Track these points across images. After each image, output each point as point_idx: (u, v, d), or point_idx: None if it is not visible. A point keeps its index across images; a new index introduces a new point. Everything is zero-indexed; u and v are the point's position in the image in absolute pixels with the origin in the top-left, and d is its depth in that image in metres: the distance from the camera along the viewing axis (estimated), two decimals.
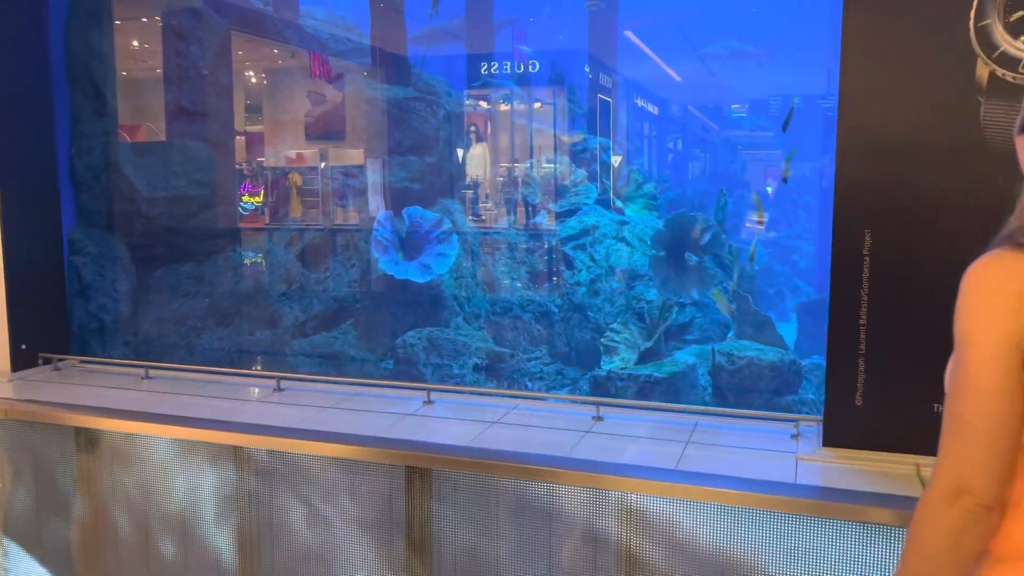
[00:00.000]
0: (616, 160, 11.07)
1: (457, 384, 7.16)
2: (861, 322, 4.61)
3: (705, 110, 17.07)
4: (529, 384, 7.45)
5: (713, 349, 6.77)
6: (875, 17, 4.46)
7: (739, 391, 6.46)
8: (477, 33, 12.63)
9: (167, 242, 7.70)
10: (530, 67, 12.07)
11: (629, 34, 14.34)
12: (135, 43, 9.92)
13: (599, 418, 5.33)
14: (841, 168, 4.62)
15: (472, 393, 6.06)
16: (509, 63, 12.09)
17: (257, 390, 6.17)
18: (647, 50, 15.07)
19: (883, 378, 4.61)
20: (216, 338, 7.60)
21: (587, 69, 12.66)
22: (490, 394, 6.01)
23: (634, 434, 5.07)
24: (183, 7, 8.55)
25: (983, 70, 4.23)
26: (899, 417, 4.60)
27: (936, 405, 4.52)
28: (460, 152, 11.07)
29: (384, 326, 8.21)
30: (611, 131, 13.25)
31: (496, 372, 7.21)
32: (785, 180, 6.98)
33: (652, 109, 15.54)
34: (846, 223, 4.64)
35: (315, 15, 11.21)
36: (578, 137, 10.42)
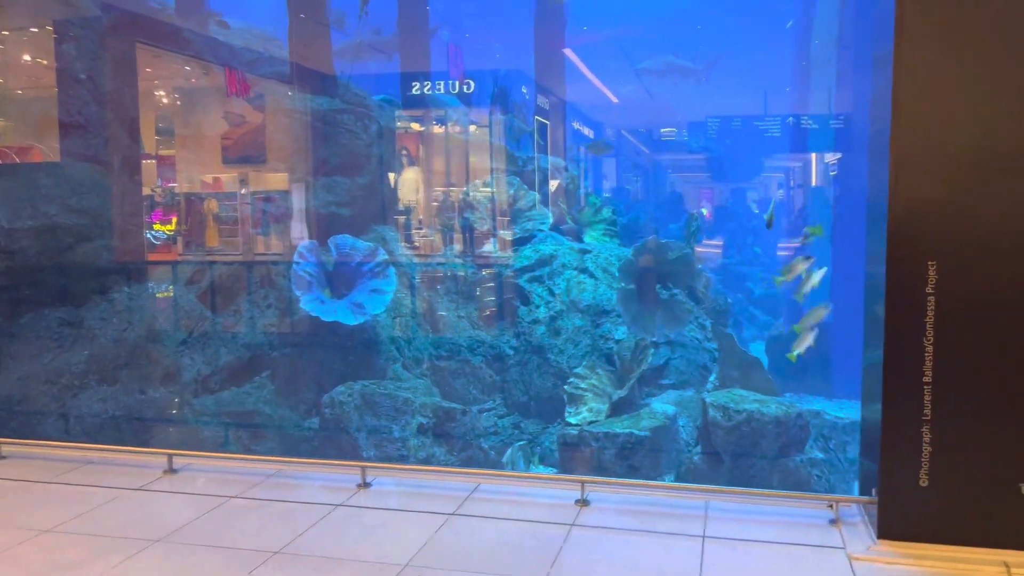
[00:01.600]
0: (564, 182, 10.07)
1: (400, 455, 5.91)
2: (925, 379, 3.60)
3: (638, 133, 16.41)
4: (484, 443, 6.26)
5: (705, 402, 5.72)
6: (934, 8, 3.52)
7: (738, 452, 5.41)
8: (409, 48, 11.59)
9: (35, 282, 6.26)
10: (464, 87, 11.10)
11: (569, 52, 13.53)
12: (27, 57, 8.62)
13: (584, 502, 4.19)
14: (896, 187, 3.62)
15: (420, 471, 4.83)
16: (443, 82, 11.08)
17: (142, 473, 4.82)
18: (586, 71, 14.28)
19: (956, 451, 3.61)
20: (97, 399, 6.18)
21: (524, 90, 11.76)
22: (443, 473, 4.79)
23: (633, 526, 3.93)
24: (80, 16, 7.24)
25: None
26: (978, 500, 3.60)
27: None
28: (392, 175, 9.92)
29: (307, 378, 6.91)
30: (561, 152, 12.32)
31: (446, 434, 6.01)
32: (769, 226, 6.05)
33: (588, 132, 14.77)
34: (903, 254, 3.63)
35: (230, 26, 9.97)
36: (528, 158, 9.40)
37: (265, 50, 9.82)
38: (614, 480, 4.90)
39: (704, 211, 14.53)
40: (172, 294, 7.33)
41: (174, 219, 9.30)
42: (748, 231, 15.22)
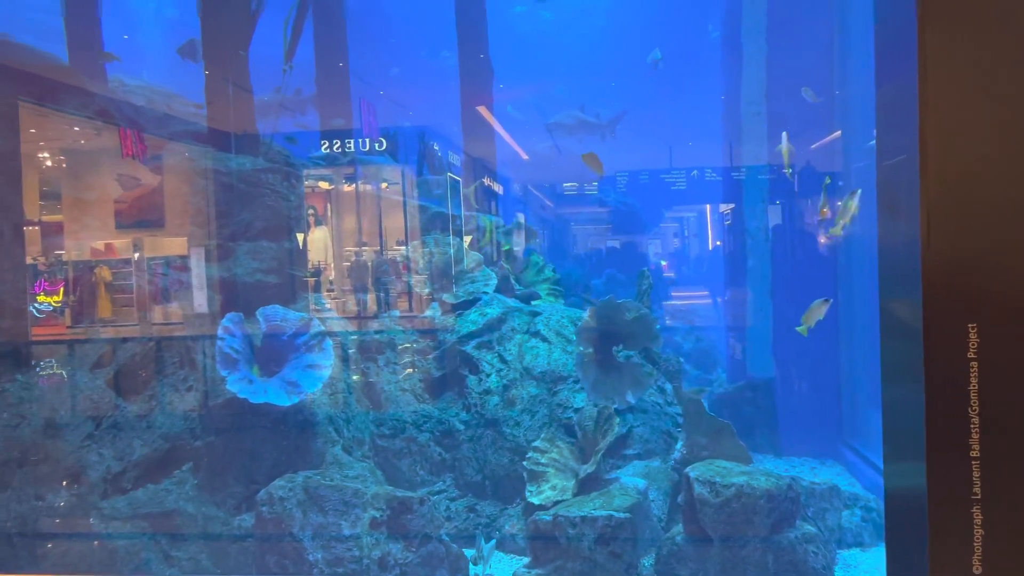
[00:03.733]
0: (501, 240, 9.68)
1: (352, 556, 5.14)
2: (973, 454, 3.25)
3: (543, 188, 16.37)
4: (444, 536, 5.58)
5: (688, 477, 5.26)
6: (964, 28, 3.28)
7: (726, 534, 4.97)
8: (327, 107, 11.11)
9: None
10: (377, 144, 10.69)
11: (483, 110, 13.35)
12: None
13: None
14: (930, 246, 3.30)
15: None
16: (366, 140, 10.66)
17: None
18: (501, 131, 14.14)
19: (1009, 532, 3.26)
20: None
21: (436, 147, 11.45)
22: None
23: None
24: None
25: None
26: None
27: None
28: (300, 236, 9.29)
29: (236, 469, 6.09)
30: (495, 210, 11.99)
31: (401, 527, 5.31)
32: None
33: (497, 188, 14.59)
34: (941, 315, 3.30)
35: (125, 82, 9.25)
36: (469, 215, 8.95)
37: (169, 108, 9.18)
38: None
39: (663, 263, 14.41)
40: (66, 378, 6.41)
41: (61, 289, 8.53)
42: (657, 283, 15.20)
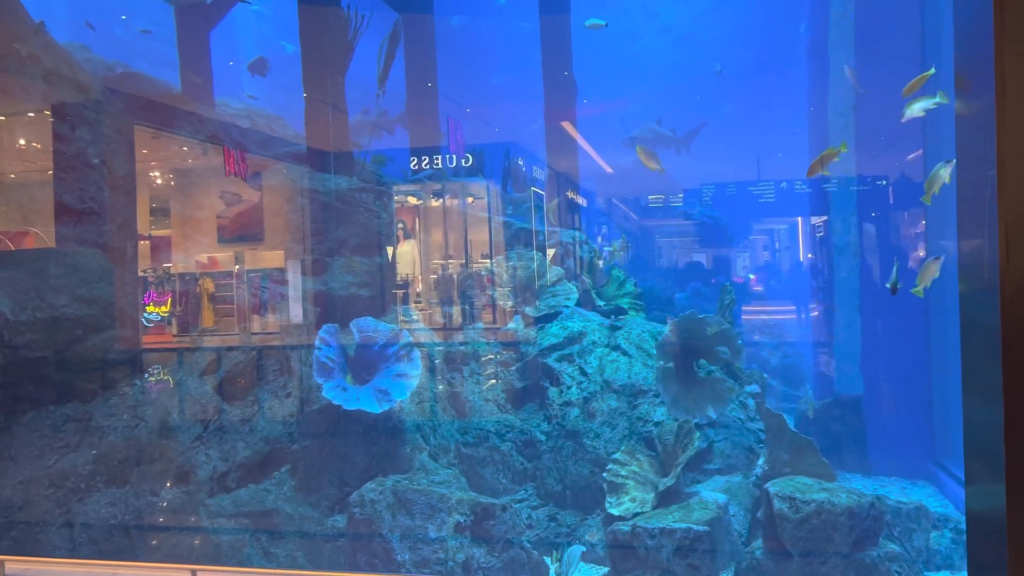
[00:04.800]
0: (586, 256, 9.81)
1: (437, 559, 5.39)
2: None
3: (628, 201, 16.38)
4: (525, 541, 5.75)
5: (768, 492, 5.28)
6: None
7: (806, 550, 4.96)
8: (416, 126, 11.52)
9: (39, 377, 5.85)
10: (463, 161, 11.01)
11: (567, 125, 13.52)
12: (21, 141, 8.43)
13: None
14: (1008, 259, 3.31)
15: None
16: (453, 156, 11.00)
17: None
18: (585, 145, 14.28)
19: None
20: (106, 503, 5.70)
21: (520, 161, 11.69)
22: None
23: None
24: (78, 100, 7.04)
25: None
26: None
27: None
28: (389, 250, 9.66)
29: (330, 472, 6.44)
30: (568, 224, 12.15)
31: (485, 532, 5.53)
32: (894, 292, 6.00)
33: (582, 201, 14.72)
34: (1020, 334, 3.30)
35: (231, 105, 9.88)
36: (551, 231, 9.16)
37: (270, 130, 9.73)
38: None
39: (751, 276, 14.25)
40: (173, 384, 6.91)
41: (168, 300, 9.08)
42: (744, 297, 14.98)
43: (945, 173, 5.74)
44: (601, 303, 8.24)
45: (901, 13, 9.57)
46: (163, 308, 9.02)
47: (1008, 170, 3.28)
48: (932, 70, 6.42)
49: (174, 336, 8.77)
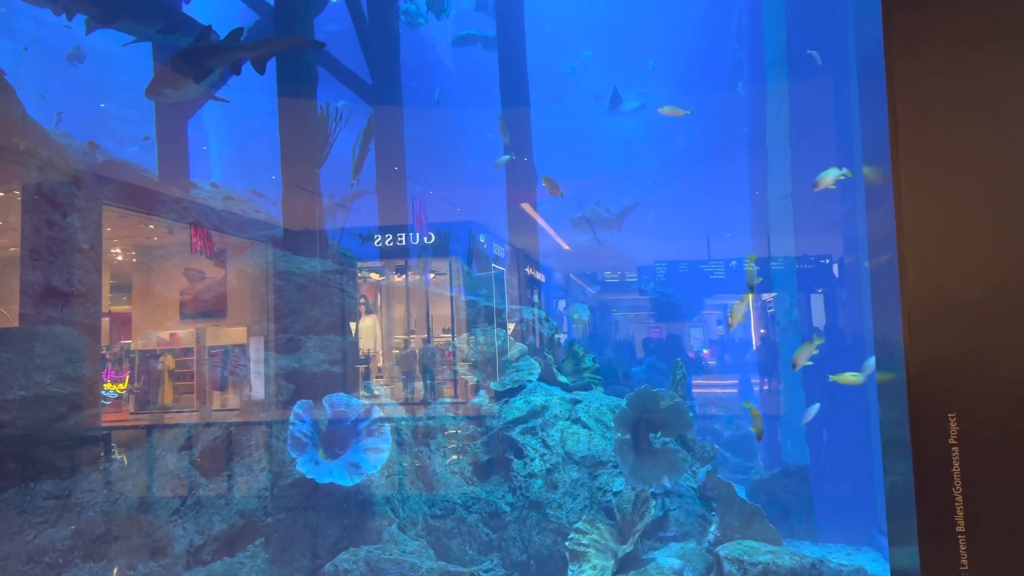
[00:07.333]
0: (547, 333, 10.30)
1: None
2: (959, 530, 3.70)
3: (584, 276, 17.08)
4: None
5: (718, 556, 5.68)
6: (929, 158, 3.89)
7: None
8: (384, 206, 12.04)
9: (21, 454, 6.03)
10: (426, 239, 11.50)
11: (526, 206, 14.21)
12: None
13: None
14: (911, 344, 3.85)
15: None
16: (406, 234, 11.47)
17: None
18: (544, 224, 14.97)
19: None
20: None
21: (482, 239, 12.27)
22: None
23: None
24: (49, 180, 7.35)
25: None
26: None
27: None
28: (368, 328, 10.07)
29: (302, 544, 6.65)
30: (526, 300, 12.67)
31: None
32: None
33: (540, 277, 15.31)
34: (924, 408, 3.82)
35: (202, 188, 10.30)
36: (513, 309, 9.64)
37: (242, 212, 10.09)
38: None
39: (704, 351, 14.84)
40: (127, 463, 7.07)
41: (126, 377, 9.14)
42: (697, 370, 15.58)
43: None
44: (563, 378, 8.68)
45: (830, 108, 10.47)
46: (120, 385, 9.07)
47: (908, 266, 3.85)
48: (847, 172, 7.16)
49: (131, 414, 8.80)
